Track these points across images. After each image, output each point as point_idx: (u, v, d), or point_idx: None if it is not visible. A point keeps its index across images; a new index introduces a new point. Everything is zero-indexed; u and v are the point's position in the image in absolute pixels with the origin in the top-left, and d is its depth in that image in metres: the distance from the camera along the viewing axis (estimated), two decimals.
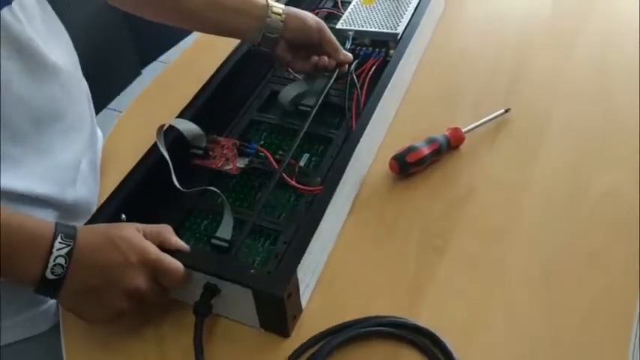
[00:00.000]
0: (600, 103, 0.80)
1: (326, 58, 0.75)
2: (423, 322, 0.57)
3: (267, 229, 0.66)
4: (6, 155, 0.57)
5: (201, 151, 0.70)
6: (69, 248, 0.51)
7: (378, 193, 0.70)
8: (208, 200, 0.69)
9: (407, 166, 0.70)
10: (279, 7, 0.72)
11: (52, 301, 0.63)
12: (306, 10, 0.77)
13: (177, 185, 0.64)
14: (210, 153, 0.70)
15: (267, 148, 0.72)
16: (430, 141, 0.71)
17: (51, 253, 0.50)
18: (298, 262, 0.55)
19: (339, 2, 0.95)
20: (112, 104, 1.25)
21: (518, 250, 0.64)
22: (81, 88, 0.69)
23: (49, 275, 0.51)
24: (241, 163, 0.69)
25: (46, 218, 0.60)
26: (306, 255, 0.56)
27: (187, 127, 0.69)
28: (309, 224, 0.58)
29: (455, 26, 0.95)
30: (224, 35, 0.74)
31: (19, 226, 0.51)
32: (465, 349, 0.56)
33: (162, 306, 0.58)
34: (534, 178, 0.71)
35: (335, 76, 0.76)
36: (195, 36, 1.00)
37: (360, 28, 0.84)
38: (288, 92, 0.78)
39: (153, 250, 0.54)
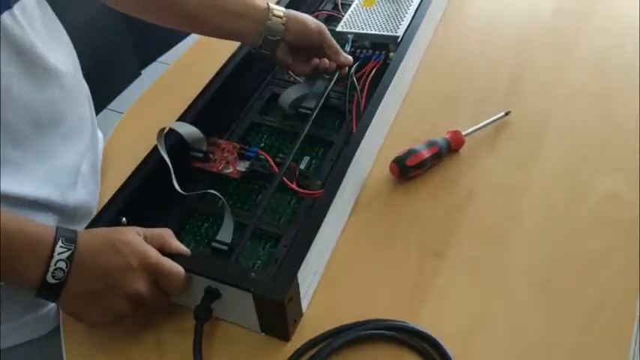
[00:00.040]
0: (600, 105, 0.80)
1: (326, 60, 0.75)
2: (423, 325, 0.57)
3: (268, 233, 0.66)
4: (6, 159, 0.57)
5: (201, 154, 0.70)
6: (70, 252, 0.51)
7: (378, 197, 0.70)
8: (209, 203, 0.69)
9: (407, 170, 0.70)
10: (280, 10, 0.72)
11: (52, 305, 0.63)
12: (306, 12, 0.77)
13: (178, 188, 0.64)
14: (211, 156, 0.70)
15: (267, 150, 0.72)
16: (430, 144, 0.71)
17: (52, 257, 0.50)
18: (299, 267, 0.55)
19: (339, 4, 0.95)
20: (112, 105, 1.25)
21: (518, 253, 0.64)
22: (81, 90, 0.69)
23: (49, 279, 0.51)
24: (242, 166, 0.69)
25: (47, 222, 0.60)
26: (306, 259, 0.56)
27: (188, 130, 0.69)
28: (309, 228, 0.58)
29: (455, 28, 0.95)
30: (225, 38, 0.74)
31: (19, 230, 0.51)
32: (465, 352, 0.56)
33: (163, 310, 0.58)
34: (534, 181, 0.71)
35: (335, 78, 0.76)
36: (196, 37, 1.00)
37: (360, 31, 0.84)
38: (289, 95, 0.78)
39: (154, 254, 0.54)
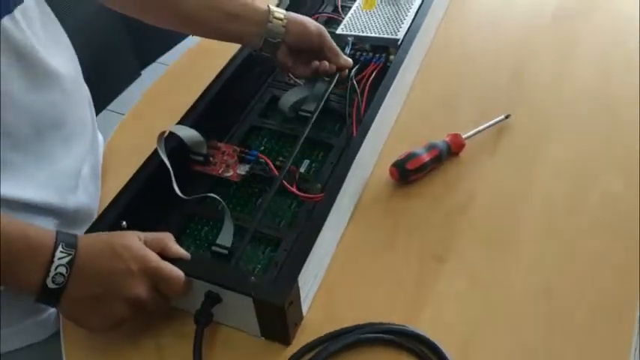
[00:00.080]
0: (601, 107, 0.80)
1: (326, 63, 0.76)
2: (423, 329, 0.57)
3: (268, 236, 0.66)
4: (6, 163, 0.57)
5: (201, 158, 0.70)
6: (70, 257, 0.51)
7: (378, 200, 0.70)
8: (209, 207, 0.69)
9: (407, 173, 0.70)
10: (281, 13, 0.72)
11: (52, 310, 0.63)
12: (306, 14, 0.77)
13: (178, 192, 0.64)
14: (211, 159, 0.70)
15: (267, 154, 0.72)
16: (430, 147, 0.71)
17: (52, 262, 0.50)
18: (299, 271, 0.55)
19: (339, 7, 0.95)
20: (112, 106, 1.25)
21: (518, 257, 0.64)
22: (82, 93, 0.69)
23: (49, 284, 0.51)
24: (242, 170, 0.69)
25: (48, 226, 0.60)
26: (307, 263, 0.56)
27: (188, 133, 0.69)
28: (310, 232, 0.58)
29: (455, 30, 0.95)
30: (226, 40, 0.74)
31: (19, 235, 0.51)
32: (464, 357, 0.56)
33: (163, 314, 0.58)
34: (535, 185, 0.71)
35: (335, 81, 0.76)
36: (195, 38, 1.00)
37: (361, 34, 0.84)
38: (288, 98, 0.78)
39: (154, 258, 0.54)
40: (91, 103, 0.72)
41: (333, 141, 0.75)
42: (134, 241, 0.54)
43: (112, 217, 0.61)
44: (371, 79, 0.80)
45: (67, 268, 0.51)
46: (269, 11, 0.71)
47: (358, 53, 0.84)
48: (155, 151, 0.66)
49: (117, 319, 0.54)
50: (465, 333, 0.58)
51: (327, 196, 0.62)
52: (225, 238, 0.64)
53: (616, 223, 0.67)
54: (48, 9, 0.63)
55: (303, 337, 0.58)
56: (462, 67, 0.88)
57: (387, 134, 0.78)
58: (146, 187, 0.64)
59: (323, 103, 0.74)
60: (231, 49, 0.80)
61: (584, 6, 0.98)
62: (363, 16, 0.87)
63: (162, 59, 1.35)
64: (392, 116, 0.79)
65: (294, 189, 0.68)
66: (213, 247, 0.64)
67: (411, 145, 0.72)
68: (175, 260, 0.56)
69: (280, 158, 0.72)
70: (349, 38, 0.83)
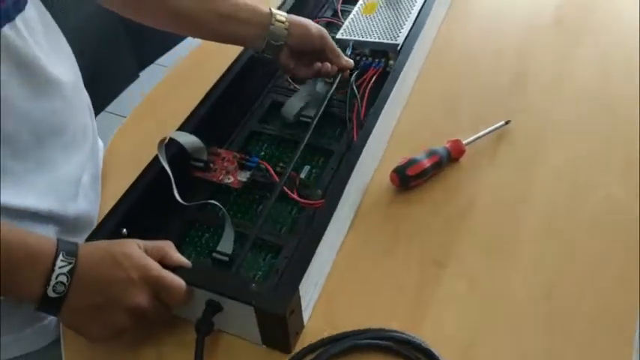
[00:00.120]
0: (600, 111, 0.80)
1: (328, 64, 0.76)
2: (424, 335, 0.57)
3: (269, 243, 0.66)
4: (7, 170, 0.56)
5: (202, 164, 0.70)
6: (71, 266, 0.51)
7: (379, 206, 0.70)
8: (209, 213, 0.69)
9: (408, 179, 0.70)
10: (283, 15, 0.72)
11: (52, 317, 0.63)
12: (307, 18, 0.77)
13: (179, 199, 0.64)
14: (211, 165, 0.70)
15: (267, 160, 0.72)
16: (431, 153, 0.71)
17: (53, 271, 0.50)
18: (300, 280, 0.55)
19: (339, 11, 0.95)
20: (110, 107, 1.24)
21: (519, 262, 0.64)
22: (82, 100, 0.69)
23: (50, 293, 0.50)
24: (243, 176, 0.69)
25: (48, 233, 0.60)
26: (308, 272, 0.56)
27: (188, 139, 0.69)
28: (310, 240, 0.58)
29: (456, 33, 0.95)
30: (229, 43, 0.74)
31: (19, 243, 0.50)
32: None
33: (164, 323, 0.58)
34: (535, 190, 0.71)
35: (335, 84, 0.77)
36: (194, 40, 0.99)
37: (360, 38, 0.84)
38: (293, 106, 0.77)
39: (155, 267, 0.54)
40: (92, 110, 0.72)
41: (333, 147, 0.75)
42: (135, 249, 0.54)
43: (113, 225, 0.61)
44: (371, 83, 0.80)
45: (67, 277, 0.51)
46: (271, 14, 0.72)
47: (357, 57, 0.84)
48: (155, 158, 0.66)
49: (118, 328, 0.53)
50: (466, 338, 0.58)
51: (327, 203, 0.62)
52: (226, 245, 0.64)
53: (616, 227, 0.67)
54: (49, 16, 0.63)
55: (304, 345, 0.58)
56: (463, 69, 0.88)
57: (388, 140, 0.78)
58: (146, 194, 0.64)
59: (323, 108, 0.74)
60: (231, 51, 0.80)
61: (584, 6, 0.98)
62: (362, 21, 0.87)
63: (160, 60, 1.35)
64: (392, 122, 0.79)
65: (294, 195, 0.68)
66: (214, 254, 0.64)
67: (411, 151, 0.72)
68: (176, 268, 0.55)
69: (280, 164, 0.72)
70: (349, 42, 0.83)
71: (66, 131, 0.63)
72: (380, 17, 0.87)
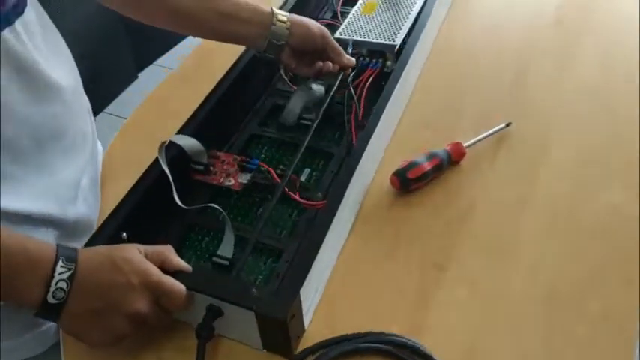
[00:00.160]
0: (602, 114, 0.80)
1: (330, 63, 0.76)
2: (424, 339, 0.57)
3: (269, 247, 0.65)
4: (6, 175, 0.56)
5: (202, 167, 0.70)
6: (71, 272, 0.51)
7: (379, 210, 0.70)
8: (209, 217, 0.69)
9: (408, 183, 0.69)
10: (284, 15, 0.73)
11: (52, 323, 0.62)
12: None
13: (179, 202, 0.64)
14: (211, 169, 0.70)
15: (267, 162, 0.72)
16: (431, 156, 0.71)
17: (52, 277, 0.50)
18: (301, 284, 0.55)
19: (339, 13, 0.95)
20: (109, 108, 1.24)
21: (519, 266, 0.64)
22: (82, 104, 0.68)
23: (50, 299, 0.50)
24: (243, 179, 0.69)
25: (47, 237, 0.60)
26: (309, 276, 0.56)
27: (188, 142, 0.69)
28: (311, 244, 0.58)
29: (456, 34, 0.95)
30: (231, 42, 0.74)
31: (19, 248, 0.50)
32: None
33: (165, 327, 0.58)
34: (535, 193, 0.71)
35: (335, 87, 0.76)
36: (193, 41, 0.99)
37: (358, 39, 0.83)
38: (293, 110, 0.77)
39: (155, 272, 0.54)
40: (91, 113, 0.71)
41: (333, 150, 0.75)
42: (135, 254, 0.54)
43: (112, 229, 0.61)
44: (368, 84, 0.79)
45: (67, 283, 0.50)
46: (272, 13, 0.71)
47: (355, 58, 0.83)
48: (155, 161, 0.66)
49: (118, 334, 0.53)
50: (466, 341, 0.58)
51: (328, 207, 0.61)
52: (226, 248, 0.64)
53: (616, 228, 0.67)
54: (47, 18, 0.63)
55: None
56: (463, 69, 0.88)
57: (388, 142, 0.77)
58: (146, 197, 0.64)
59: (323, 110, 0.74)
60: (231, 53, 0.80)
61: (584, 6, 0.98)
62: (361, 21, 0.87)
63: (159, 61, 1.34)
64: (392, 124, 0.79)
65: (296, 197, 0.68)
66: (214, 258, 0.64)
67: (412, 153, 0.71)
68: (176, 273, 0.55)
69: (281, 167, 0.72)
70: (348, 42, 0.83)
71: (66, 135, 0.63)
72: (379, 17, 0.87)
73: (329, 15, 0.96)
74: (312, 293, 0.59)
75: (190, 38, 0.87)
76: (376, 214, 0.70)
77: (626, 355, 0.57)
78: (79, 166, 0.66)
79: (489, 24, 0.98)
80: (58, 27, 0.66)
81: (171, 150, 0.67)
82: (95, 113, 0.75)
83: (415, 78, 0.86)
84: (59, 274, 0.50)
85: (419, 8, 0.87)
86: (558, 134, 0.77)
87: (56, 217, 0.61)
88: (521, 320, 0.59)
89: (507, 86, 0.85)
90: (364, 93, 0.78)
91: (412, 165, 0.70)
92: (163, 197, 0.64)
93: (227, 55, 0.80)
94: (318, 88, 0.79)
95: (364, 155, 0.66)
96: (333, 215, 0.60)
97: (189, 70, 0.93)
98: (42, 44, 0.59)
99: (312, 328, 0.60)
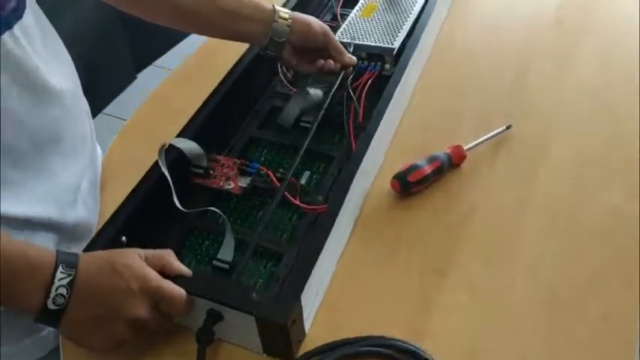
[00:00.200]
0: (601, 113, 0.79)
1: (331, 61, 0.76)
2: (425, 343, 0.57)
3: (269, 251, 0.65)
4: (6, 180, 0.56)
5: (201, 170, 0.69)
6: (70, 278, 0.51)
7: (379, 213, 0.70)
8: (209, 220, 0.69)
9: (408, 186, 0.69)
10: (286, 12, 0.73)
11: (52, 328, 0.62)
12: None
13: (179, 205, 0.64)
14: (211, 172, 0.70)
15: (267, 165, 0.72)
16: (432, 159, 0.71)
17: (52, 283, 0.50)
18: (302, 289, 0.54)
19: (338, 15, 0.94)
20: (108, 109, 1.24)
21: (519, 269, 0.64)
22: (81, 107, 0.68)
23: (50, 305, 0.50)
24: (243, 182, 0.69)
25: (47, 241, 0.60)
26: (309, 281, 0.55)
27: (188, 145, 0.68)
28: (312, 248, 0.58)
29: (456, 36, 0.95)
30: (231, 39, 0.74)
31: (19, 254, 0.50)
32: None
33: (165, 332, 0.58)
34: (536, 196, 0.70)
35: (334, 89, 0.76)
36: (192, 42, 0.99)
37: (357, 42, 0.83)
38: (290, 112, 0.77)
39: (154, 277, 0.54)
40: (90, 117, 0.71)
41: (333, 153, 0.75)
42: (135, 259, 0.54)
43: (112, 232, 0.60)
44: (366, 87, 0.79)
45: (67, 289, 0.50)
46: (274, 11, 0.71)
47: None
48: (154, 164, 0.66)
49: (118, 339, 0.53)
50: (467, 345, 0.58)
51: (329, 211, 0.61)
52: (226, 252, 0.64)
53: (616, 229, 0.67)
54: (46, 21, 0.62)
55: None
56: (464, 70, 0.88)
57: (388, 145, 0.77)
58: (146, 201, 0.63)
59: (322, 113, 0.74)
60: (234, 52, 0.79)
61: (584, 6, 0.98)
62: (360, 24, 0.86)
63: (157, 62, 1.34)
64: (392, 127, 0.79)
65: (296, 201, 0.67)
66: (214, 262, 0.63)
67: (412, 156, 0.71)
68: (176, 277, 0.55)
69: (280, 170, 0.71)
70: (349, 45, 0.83)
71: (65, 139, 0.62)
72: (378, 20, 0.86)
73: (328, 17, 0.96)
74: (312, 297, 0.59)
75: (194, 37, 0.87)
76: (377, 217, 0.69)
77: (627, 356, 0.57)
78: (79, 170, 0.65)
79: (489, 24, 0.97)
80: (55, 27, 0.65)
81: (170, 153, 0.67)
82: (94, 115, 0.75)
83: (415, 80, 0.86)
84: (59, 280, 0.50)
85: (418, 10, 0.87)
86: (558, 134, 0.77)
87: (55, 220, 0.61)
88: (521, 323, 0.59)
89: (507, 86, 0.85)
90: (363, 96, 0.78)
91: (413, 168, 0.69)
92: (163, 200, 0.64)
93: (230, 53, 0.80)
94: (315, 92, 0.78)
95: (365, 159, 0.66)
96: (334, 219, 0.60)
97: (192, 69, 0.93)
98: (41, 48, 0.59)
99: (312, 332, 0.59)
